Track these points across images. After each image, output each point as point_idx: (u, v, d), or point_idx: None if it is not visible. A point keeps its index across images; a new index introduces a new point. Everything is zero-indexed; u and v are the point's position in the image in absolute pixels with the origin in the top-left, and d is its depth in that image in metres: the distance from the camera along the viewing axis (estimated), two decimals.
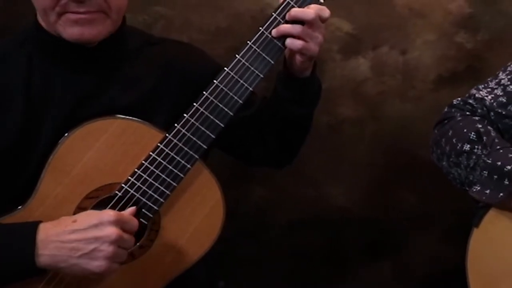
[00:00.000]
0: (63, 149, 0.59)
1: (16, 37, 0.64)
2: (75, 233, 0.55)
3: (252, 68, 0.61)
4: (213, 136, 0.61)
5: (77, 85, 0.62)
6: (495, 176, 0.63)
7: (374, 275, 1.14)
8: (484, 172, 0.64)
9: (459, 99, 0.74)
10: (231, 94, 0.61)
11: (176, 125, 0.61)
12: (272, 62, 0.62)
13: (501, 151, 0.64)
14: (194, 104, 0.61)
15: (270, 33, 0.61)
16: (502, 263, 0.64)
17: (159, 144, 0.60)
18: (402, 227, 1.12)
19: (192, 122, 0.61)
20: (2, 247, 0.56)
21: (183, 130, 0.61)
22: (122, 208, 0.60)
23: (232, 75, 0.61)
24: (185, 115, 0.61)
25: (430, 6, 1.04)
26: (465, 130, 0.68)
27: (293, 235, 1.12)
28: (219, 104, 0.61)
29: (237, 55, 0.62)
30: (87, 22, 0.58)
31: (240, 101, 0.62)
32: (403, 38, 1.05)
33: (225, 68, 0.62)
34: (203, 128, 0.61)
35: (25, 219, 0.58)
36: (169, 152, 0.60)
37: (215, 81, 0.61)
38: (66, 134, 0.60)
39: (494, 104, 0.69)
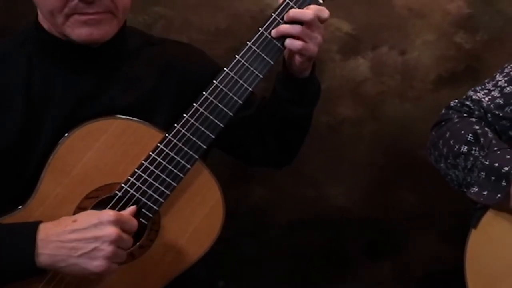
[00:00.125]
0: (63, 149, 0.59)
1: (16, 37, 0.65)
2: (75, 233, 0.55)
3: (252, 69, 0.62)
4: (212, 136, 0.61)
5: (77, 85, 0.62)
6: (493, 178, 0.63)
7: (374, 275, 1.14)
8: (482, 173, 0.64)
9: (456, 100, 0.74)
10: (230, 94, 0.61)
11: (176, 125, 0.61)
12: (272, 63, 0.62)
13: (498, 152, 0.64)
14: (194, 104, 0.61)
15: (269, 33, 0.62)
16: (500, 264, 0.64)
17: (159, 144, 0.61)
18: (402, 227, 1.12)
19: (192, 122, 0.61)
20: (2, 246, 0.56)
21: (183, 130, 0.61)
22: (122, 208, 0.60)
23: (232, 76, 0.61)
24: (185, 115, 0.61)
25: (429, 7, 1.04)
26: (462, 132, 0.68)
27: (293, 235, 1.12)
28: (219, 104, 0.61)
29: (236, 56, 0.62)
30: (95, 23, 0.58)
31: (240, 101, 0.62)
32: (402, 39, 1.06)
33: (225, 69, 0.62)
34: (202, 128, 0.61)
35: (25, 219, 0.59)
36: (169, 152, 0.60)
37: (214, 81, 0.61)
38: (66, 134, 0.60)
39: (491, 105, 0.70)
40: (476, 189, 0.65)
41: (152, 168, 0.60)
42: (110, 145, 0.60)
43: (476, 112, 0.71)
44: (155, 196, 0.61)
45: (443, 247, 1.10)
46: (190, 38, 1.02)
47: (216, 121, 0.61)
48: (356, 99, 1.08)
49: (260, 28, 0.62)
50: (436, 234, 1.12)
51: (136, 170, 0.60)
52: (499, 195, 0.63)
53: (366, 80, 1.08)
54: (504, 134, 0.71)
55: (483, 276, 0.64)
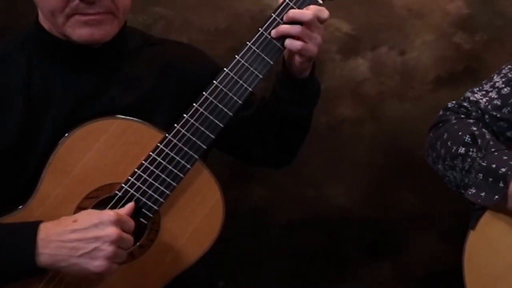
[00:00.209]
0: (63, 149, 0.59)
1: (16, 37, 0.65)
2: (76, 233, 0.55)
3: (252, 69, 0.62)
4: (212, 136, 0.62)
5: (77, 85, 0.62)
6: (490, 179, 0.63)
7: (374, 275, 1.14)
8: (479, 174, 0.64)
9: (454, 102, 0.74)
10: (230, 94, 0.62)
11: (176, 125, 0.61)
12: (272, 63, 0.62)
13: (496, 153, 0.64)
14: (194, 104, 0.61)
15: (269, 33, 0.62)
16: (499, 265, 0.64)
17: (159, 144, 0.61)
18: (402, 227, 1.12)
19: (192, 122, 0.61)
20: (3, 246, 0.56)
21: (183, 130, 0.61)
22: None
23: (232, 76, 0.62)
24: (184, 115, 0.61)
25: (428, 7, 1.04)
26: (460, 133, 0.68)
27: (293, 235, 1.12)
28: (219, 105, 0.61)
29: (236, 56, 0.62)
30: (96, 23, 0.58)
31: (240, 102, 0.62)
32: (401, 39, 1.06)
33: (225, 69, 0.62)
34: (202, 128, 0.61)
35: (26, 219, 0.59)
36: (169, 152, 0.61)
37: (214, 81, 0.62)
38: (66, 134, 0.60)
39: (489, 107, 0.70)
40: (474, 191, 0.65)
41: (152, 168, 0.60)
42: (110, 145, 0.60)
43: (474, 113, 0.71)
44: (155, 196, 0.61)
45: (443, 247, 1.10)
46: (190, 38, 1.02)
47: (216, 121, 0.61)
48: (355, 99, 1.08)
49: (260, 29, 0.62)
50: (436, 234, 1.12)
51: (136, 170, 0.60)
52: (496, 197, 0.63)
53: (366, 80, 1.08)
54: (502, 135, 0.71)
55: (481, 276, 0.64)
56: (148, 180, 0.60)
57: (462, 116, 0.72)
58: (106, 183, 0.60)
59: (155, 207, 0.61)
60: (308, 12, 0.61)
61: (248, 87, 0.62)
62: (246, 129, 0.71)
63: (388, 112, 1.09)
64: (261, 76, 0.62)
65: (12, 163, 0.60)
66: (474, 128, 0.68)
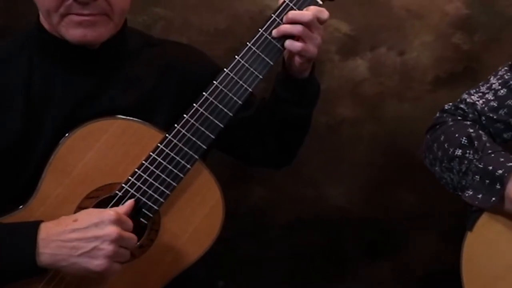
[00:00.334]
0: (64, 149, 0.60)
1: (17, 37, 0.65)
2: (76, 232, 0.55)
3: (252, 69, 0.62)
4: (212, 136, 0.62)
5: (78, 85, 0.63)
6: (487, 181, 0.63)
7: (373, 275, 1.15)
8: (476, 176, 0.65)
9: (451, 104, 0.74)
10: (230, 94, 0.62)
11: (176, 125, 0.61)
12: (271, 63, 0.62)
13: (492, 155, 0.64)
14: (194, 104, 0.61)
15: (269, 34, 0.62)
16: (496, 266, 0.64)
17: (159, 145, 0.61)
18: (402, 227, 1.12)
19: (192, 123, 0.61)
20: (3, 246, 0.57)
21: (183, 131, 0.61)
22: None
23: (232, 76, 0.62)
24: (185, 115, 0.61)
25: (427, 8, 1.05)
26: (456, 135, 0.68)
27: (292, 235, 1.13)
28: (219, 105, 0.62)
29: (236, 56, 0.62)
30: (90, 24, 0.58)
31: (240, 102, 0.62)
32: (400, 39, 1.06)
33: (225, 69, 0.62)
34: (202, 129, 0.61)
35: (26, 219, 0.59)
36: (169, 152, 0.61)
37: (214, 82, 0.62)
38: (66, 135, 0.60)
39: (486, 108, 0.70)
40: (471, 192, 0.65)
41: (152, 168, 0.61)
42: (110, 145, 0.60)
43: (470, 115, 0.71)
44: (155, 196, 0.61)
45: (443, 247, 1.10)
46: (189, 39, 1.02)
47: (216, 121, 0.62)
48: (355, 100, 1.09)
49: (260, 29, 0.62)
50: (436, 234, 1.12)
51: (136, 170, 0.61)
52: (493, 199, 0.63)
53: (365, 80, 1.08)
54: (498, 136, 0.71)
55: (479, 277, 0.65)
56: (148, 180, 0.61)
57: (459, 118, 0.72)
58: (107, 183, 0.60)
59: (155, 207, 0.61)
60: (308, 13, 0.61)
61: (248, 88, 0.62)
62: (246, 129, 0.71)
63: (387, 112, 1.09)
64: (261, 77, 0.62)
65: (12, 163, 0.61)
66: (471, 130, 0.68)
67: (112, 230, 0.55)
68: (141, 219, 0.61)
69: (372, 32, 1.05)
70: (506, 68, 0.73)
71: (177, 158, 0.61)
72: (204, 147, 0.62)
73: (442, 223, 1.11)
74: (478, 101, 0.71)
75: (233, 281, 1.07)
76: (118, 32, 0.63)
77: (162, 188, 0.61)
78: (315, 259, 1.13)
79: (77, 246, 0.55)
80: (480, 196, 0.64)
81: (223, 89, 0.62)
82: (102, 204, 0.61)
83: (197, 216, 0.63)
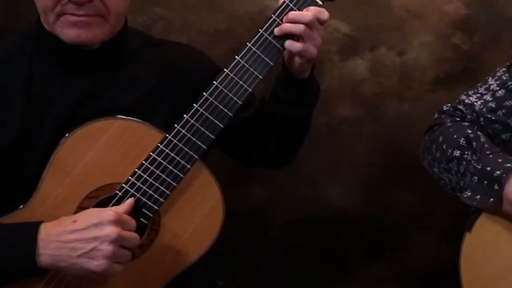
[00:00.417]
0: (64, 149, 0.60)
1: (17, 38, 0.65)
2: (75, 233, 0.55)
3: (251, 70, 0.62)
4: (212, 136, 0.62)
5: (78, 85, 0.63)
6: (485, 182, 0.63)
7: (373, 274, 1.15)
8: (474, 177, 0.65)
9: (449, 105, 0.74)
10: (230, 95, 0.62)
11: (176, 125, 0.61)
12: (271, 64, 0.62)
13: (490, 156, 0.64)
14: (194, 105, 0.62)
15: (269, 34, 0.62)
16: (495, 267, 0.64)
17: (159, 145, 0.61)
18: (401, 227, 1.13)
19: (192, 123, 0.61)
20: (3, 246, 0.57)
21: (183, 131, 0.61)
22: None
23: (232, 76, 0.62)
24: (185, 115, 0.61)
25: (427, 8, 1.05)
26: (455, 136, 0.68)
27: (292, 235, 1.13)
28: (219, 105, 0.62)
29: (236, 57, 0.62)
30: (85, 25, 0.58)
31: (240, 102, 0.62)
32: (400, 40, 1.06)
33: (225, 69, 0.62)
34: (202, 129, 0.61)
35: (26, 219, 0.59)
36: (169, 153, 0.61)
37: (214, 82, 0.62)
38: (67, 135, 0.60)
39: (484, 109, 0.70)
40: (469, 193, 0.65)
41: (152, 168, 0.61)
42: (110, 145, 0.61)
43: (469, 116, 0.71)
44: (155, 196, 0.61)
45: (443, 247, 1.11)
46: (189, 39, 1.02)
47: (216, 121, 0.62)
48: (354, 100, 1.09)
49: (260, 29, 0.62)
50: (436, 234, 1.12)
51: (136, 170, 0.61)
52: (492, 199, 0.63)
53: (365, 80, 1.08)
54: (497, 137, 0.71)
55: (478, 278, 0.65)
56: (149, 180, 0.61)
57: (457, 119, 0.72)
58: (107, 183, 0.61)
59: (155, 207, 0.61)
60: (308, 13, 0.61)
61: (248, 88, 0.62)
62: (246, 129, 0.71)
63: (387, 112, 1.09)
64: (261, 77, 0.63)
65: (12, 163, 0.61)
66: (469, 131, 0.68)
67: (111, 231, 0.55)
68: (141, 219, 0.61)
69: (372, 32, 1.06)
70: (504, 69, 0.73)
71: (177, 158, 0.61)
72: (204, 147, 0.62)
73: (442, 223, 1.11)
74: (476, 102, 0.71)
75: (233, 281, 1.07)
76: (118, 33, 0.63)
77: (162, 188, 0.61)
78: (315, 259, 1.14)
79: (76, 246, 0.55)
80: (478, 197, 0.64)
81: (223, 89, 0.62)
82: (102, 204, 0.61)
83: (197, 216, 0.63)
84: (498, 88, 0.71)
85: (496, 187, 0.63)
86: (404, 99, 1.09)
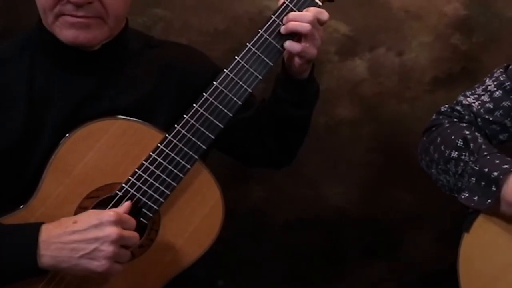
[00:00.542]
0: (65, 150, 0.60)
1: (18, 38, 0.65)
2: (76, 234, 0.56)
3: (251, 70, 0.62)
4: (212, 136, 0.62)
5: (78, 85, 0.63)
6: (483, 183, 0.64)
7: (372, 274, 1.15)
8: (472, 178, 0.65)
9: (447, 106, 0.75)
10: (230, 95, 0.62)
11: (176, 125, 0.61)
12: (271, 64, 0.63)
13: (488, 157, 0.65)
14: (194, 105, 0.62)
15: (269, 35, 0.62)
16: (493, 268, 0.64)
17: (159, 145, 0.61)
18: (400, 227, 1.13)
19: (192, 123, 0.61)
20: (4, 247, 0.57)
21: (183, 131, 0.61)
22: None
23: (232, 77, 0.62)
24: (185, 116, 0.62)
25: (425, 9, 1.05)
26: (452, 137, 0.68)
27: (291, 235, 1.13)
28: (219, 105, 0.62)
29: (236, 57, 0.62)
30: (83, 26, 0.58)
31: (239, 102, 0.62)
32: (399, 40, 1.06)
33: (225, 70, 0.62)
34: (202, 129, 0.62)
35: (27, 218, 0.59)
36: (169, 153, 0.61)
37: (214, 82, 0.62)
38: (67, 135, 0.60)
39: (481, 110, 0.70)
40: (467, 194, 0.65)
41: (152, 168, 0.61)
42: (111, 145, 0.61)
43: (466, 117, 0.72)
44: (155, 196, 0.61)
45: (441, 247, 1.11)
46: (189, 40, 1.03)
47: (216, 121, 0.62)
48: (354, 100, 1.09)
49: (259, 30, 0.63)
50: (434, 234, 1.13)
51: (136, 170, 0.61)
52: (489, 200, 0.63)
53: (364, 81, 1.08)
54: (494, 138, 0.71)
55: (476, 279, 0.65)
56: (149, 180, 0.61)
57: (455, 120, 0.72)
58: (107, 183, 0.61)
59: (155, 207, 0.62)
60: (308, 14, 0.61)
61: (247, 88, 0.63)
62: (246, 130, 0.71)
63: (386, 112, 1.09)
64: (260, 77, 0.63)
65: (13, 163, 0.61)
66: (467, 132, 0.68)
67: (112, 231, 0.56)
68: (141, 219, 0.61)
69: (371, 33, 1.06)
70: (501, 70, 0.73)
71: (177, 158, 0.61)
72: (204, 147, 0.62)
73: (441, 223, 1.12)
74: (474, 103, 0.71)
75: (233, 281, 1.07)
76: (118, 34, 0.63)
77: (162, 188, 0.61)
78: (314, 258, 1.14)
79: (77, 247, 0.55)
80: (476, 198, 0.64)
81: (223, 89, 0.62)
82: (103, 204, 0.61)
83: (197, 216, 0.64)
84: (495, 89, 0.71)
85: (493, 188, 0.63)
86: (403, 99, 1.09)
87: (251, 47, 0.62)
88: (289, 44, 0.62)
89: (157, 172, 0.61)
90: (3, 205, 0.60)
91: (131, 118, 0.62)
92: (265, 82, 0.64)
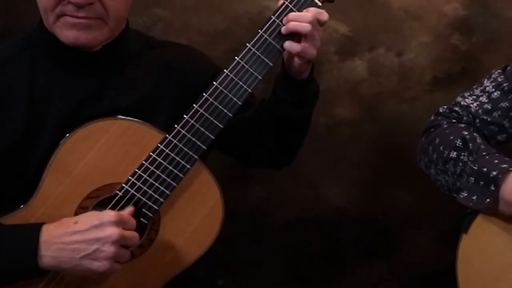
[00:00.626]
0: (65, 150, 0.60)
1: (18, 38, 0.65)
2: (77, 235, 0.56)
3: (251, 70, 0.62)
4: (212, 136, 0.62)
5: (79, 86, 0.63)
6: (481, 182, 0.64)
7: (372, 274, 1.15)
8: (471, 178, 0.65)
9: (445, 107, 0.75)
10: (230, 95, 0.62)
11: (176, 126, 0.62)
12: (271, 64, 0.63)
13: (486, 157, 0.65)
14: (194, 105, 0.62)
15: (269, 35, 0.62)
16: (492, 268, 0.64)
17: (159, 145, 0.61)
18: (400, 227, 1.13)
19: (192, 123, 0.62)
20: (6, 247, 0.57)
21: (183, 131, 0.61)
22: (123, 208, 0.60)
23: (232, 77, 0.62)
24: (185, 116, 0.62)
25: (425, 9, 1.05)
26: (451, 138, 0.69)
27: (291, 235, 1.13)
28: (219, 106, 0.62)
29: (236, 57, 0.62)
30: (84, 27, 0.59)
31: (239, 103, 0.63)
32: (399, 40, 1.07)
33: (225, 70, 0.62)
34: (202, 129, 0.62)
35: (27, 218, 0.59)
36: (169, 153, 0.61)
37: (214, 82, 0.62)
38: (67, 135, 0.60)
39: (479, 111, 0.71)
40: (466, 194, 0.65)
41: (152, 168, 0.61)
42: (111, 145, 0.61)
43: (465, 118, 0.72)
44: (155, 196, 0.61)
45: (441, 247, 1.11)
46: (189, 40, 1.03)
47: (216, 122, 0.62)
48: (353, 100, 1.09)
49: (259, 30, 0.63)
50: (434, 234, 1.13)
51: (136, 170, 0.61)
52: (488, 200, 0.63)
53: (363, 81, 1.09)
54: (493, 139, 0.71)
55: (475, 280, 0.65)
56: (149, 180, 0.61)
57: (454, 120, 0.73)
58: (107, 183, 0.61)
59: (155, 207, 0.62)
60: (308, 14, 0.61)
61: (247, 88, 0.63)
62: (246, 130, 0.71)
63: (385, 112, 1.10)
64: (260, 78, 0.63)
65: (13, 163, 0.61)
66: (465, 133, 0.69)
67: (113, 232, 0.56)
68: (141, 219, 0.62)
69: (371, 33, 1.06)
70: (499, 70, 0.73)
71: (177, 158, 0.61)
72: (204, 147, 0.62)
73: (441, 222, 1.12)
74: (472, 104, 0.72)
75: (233, 281, 1.07)
76: (119, 35, 0.64)
77: (162, 188, 0.61)
78: (314, 258, 1.14)
79: (78, 248, 0.56)
80: (474, 197, 0.64)
81: (223, 90, 0.62)
82: (103, 204, 0.61)
83: (197, 216, 0.64)
84: (493, 89, 0.71)
85: (492, 187, 0.63)
86: (402, 99, 1.09)
87: (251, 48, 0.62)
88: (288, 45, 0.62)
89: (157, 172, 0.61)
90: (3, 205, 0.60)
91: (131, 118, 0.62)
92: (265, 82, 0.64)
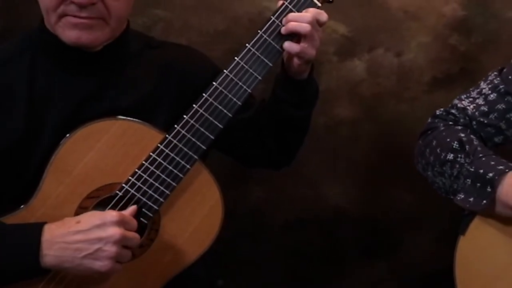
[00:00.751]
0: (65, 150, 0.60)
1: (19, 38, 0.65)
2: (79, 234, 0.56)
3: (251, 71, 0.63)
4: (212, 137, 0.62)
5: (79, 86, 0.63)
6: (478, 184, 0.64)
7: (372, 274, 1.15)
8: (468, 180, 0.65)
9: (442, 109, 0.75)
10: (230, 96, 0.62)
11: (176, 126, 0.62)
12: (270, 65, 0.63)
13: (483, 159, 0.65)
14: (194, 105, 0.62)
15: (268, 36, 0.63)
16: (490, 269, 0.64)
17: (159, 145, 0.61)
18: (399, 226, 1.13)
19: (192, 123, 0.62)
20: (7, 246, 0.57)
21: (183, 131, 0.62)
22: (123, 208, 0.61)
23: (231, 77, 0.62)
24: (185, 116, 0.62)
25: (424, 9, 1.05)
26: (448, 140, 0.69)
27: (291, 235, 1.13)
28: (218, 106, 0.62)
29: (236, 58, 0.63)
30: (86, 27, 0.59)
31: (239, 103, 0.63)
32: (398, 41, 1.07)
33: (224, 70, 0.63)
34: (202, 129, 0.62)
35: (27, 218, 0.59)
36: (169, 153, 0.61)
37: (214, 83, 0.62)
38: (67, 135, 0.61)
39: (476, 113, 0.71)
40: (463, 196, 0.65)
41: (152, 168, 0.61)
42: (111, 145, 0.61)
43: (462, 120, 0.72)
44: (155, 196, 0.61)
45: (440, 246, 1.11)
46: (189, 40, 1.03)
47: (216, 122, 0.62)
48: (352, 100, 1.09)
49: (259, 31, 0.63)
50: (433, 234, 1.13)
51: (136, 170, 0.61)
52: (484, 201, 0.63)
53: (363, 81, 1.09)
54: (490, 140, 0.72)
55: (473, 281, 0.65)
56: (149, 180, 0.61)
57: (450, 123, 0.73)
58: (107, 183, 0.61)
59: (155, 207, 0.62)
60: (307, 14, 0.62)
61: (247, 89, 0.63)
62: (245, 130, 0.71)
63: (384, 112, 1.10)
64: (260, 78, 0.63)
65: (13, 163, 0.61)
66: (462, 135, 0.69)
67: (114, 231, 0.56)
68: (141, 219, 0.62)
69: (370, 33, 1.06)
70: (495, 73, 0.73)
71: (177, 158, 0.61)
72: (203, 147, 0.62)
73: (441, 222, 1.12)
74: (468, 106, 0.72)
75: (233, 281, 1.07)
76: (120, 35, 0.64)
77: (162, 188, 0.61)
78: (314, 258, 1.14)
79: (80, 248, 0.56)
80: (471, 199, 0.65)
81: (223, 90, 0.62)
82: (103, 204, 0.61)
83: (197, 216, 0.64)
84: (490, 92, 0.71)
85: (488, 189, 0.63)
86: (401, 99, 1.09)
87: (251, 48, 0.63)
88: (288, 45, 0.62)
89: (157, 172, 0.61)
90: (4, 205, 0.60)
91: (131, 119, 0.62)
92: (264, 82, 0.65)
